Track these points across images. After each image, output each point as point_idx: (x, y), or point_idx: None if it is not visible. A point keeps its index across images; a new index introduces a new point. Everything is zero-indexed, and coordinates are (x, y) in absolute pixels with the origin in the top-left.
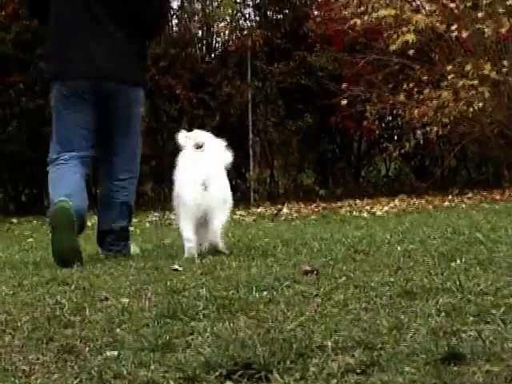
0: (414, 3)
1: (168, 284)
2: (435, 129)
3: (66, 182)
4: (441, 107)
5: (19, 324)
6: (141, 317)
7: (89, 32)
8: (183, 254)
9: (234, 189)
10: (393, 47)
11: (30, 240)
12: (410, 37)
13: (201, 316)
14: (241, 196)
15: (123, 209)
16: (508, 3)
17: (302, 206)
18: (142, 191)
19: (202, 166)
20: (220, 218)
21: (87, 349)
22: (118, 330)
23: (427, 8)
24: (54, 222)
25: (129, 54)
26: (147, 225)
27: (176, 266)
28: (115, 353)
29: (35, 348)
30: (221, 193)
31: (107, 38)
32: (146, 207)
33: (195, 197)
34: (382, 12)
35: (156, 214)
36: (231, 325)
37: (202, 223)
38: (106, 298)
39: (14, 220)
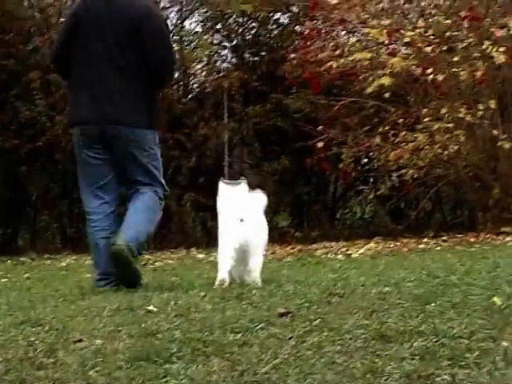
0: (389, 47)
1: (142, 326)
2: (411, 171)
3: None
4: (416, 150)
5: None
6: (114, 359)
7: (97, 80)
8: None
9: (210, 230)
10: (368, 90)
11: (4, 280)
12: (386, 80)
13: (175, 358)
14: (216, 238)
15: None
16: (483, 47)
17: (278, 247)
18: None
19: (241, 204)
20: (258, 255)
21: None
22: (91, 372)
23: (403, 51)
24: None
25: (134, 100)
26: None
27: (151, 307)
28: None
29: None
30: (257, 228)
31: (115, 85)
32: None
33: (233, 231)
34: (358, 55)
35: None
36: (205, 367)
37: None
38: (80, 340)
39: None
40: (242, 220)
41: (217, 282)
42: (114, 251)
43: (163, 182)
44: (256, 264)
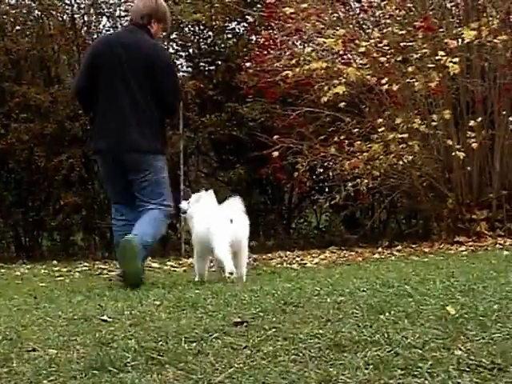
0: (344, 56)
1: (96, 335)
2: (365, 181)
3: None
4: (371, 160)
5: None
6: (68, 368)
7: (119, 112)
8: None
9: (164, 240)
10: (324, 99)
11: None
12: (341, 88)
13: (129, 368)
14: (171, 247)
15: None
16: (437, 58)
17: None
18: (70, 241)
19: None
20: (245, 252)
21: None
22: (45, 381)
23: (358, 61)
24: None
25: (147, 129)
26: (76, 274)
27: (105, 317)
28: None
29: None
30: (244, 228)
31: (133, 117)
32: (77, 257)
33: (227, 229)
34: (314, 65)
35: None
36: (160, 376)
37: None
38: (34, 349)
39: None
40: (231, 221)
41: (227, 274)
42: (123, 242)
43: (170, 202)
44: (244, 260)
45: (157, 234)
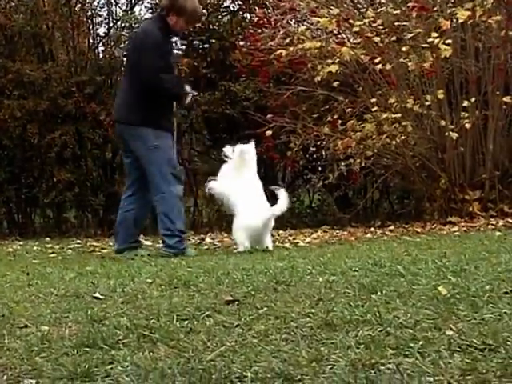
0: (338, 36)
1: (88, 312)
2: (358, 160)
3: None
4: (364, 139)
5: None
6: (60, 345)
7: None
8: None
9: (157, 217)
10: (317, 78)
11: None
12: (334, 67)
13: (121, 345)
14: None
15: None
16: (429, 40)
17: (226, 235)
18: (63, 218)
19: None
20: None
21: (5, 377)
22: (37, 358)
23: (352, 41)
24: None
25: (131, 101)
26: (69, 252)
27: (97, 294)
28: (33, 381)
29: None
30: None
31: (119, 93)
32: (69, 234)
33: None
34: (307, 44)
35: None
36: (151, 354)
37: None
38: (26, 326)
39: None
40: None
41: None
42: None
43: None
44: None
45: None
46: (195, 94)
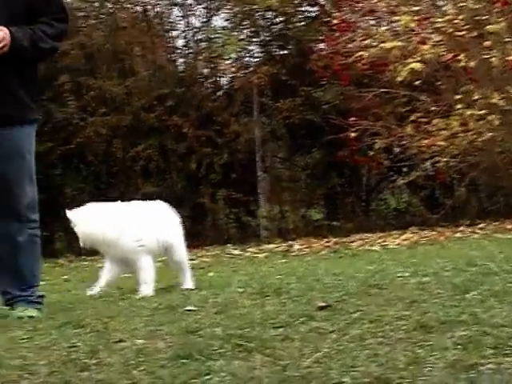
0: (420, 35)
1: (182, 324)
2: (444, 159)
3: None
4: (450, 138)
5: (35, 368)
6: (157, 358)
7: None
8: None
9: (243, 226)
10: (399, 78)
11: (43, 283)
12: (416, 65)
13: (216, 355)
14: (251, 233)
15: None
16: None
17: (313, 241)
18: None
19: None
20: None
21: None
22: (134, 371)
23: (433, 38)
24: None
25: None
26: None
27: (190, 307)
28: None
29: None
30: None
31: None
32: None
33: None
34: (388, 44)
35: None
36: (247, 363)
37: None
38: (121, 340)
39: None
40: None
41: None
42: None
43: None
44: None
45: None
46: None
